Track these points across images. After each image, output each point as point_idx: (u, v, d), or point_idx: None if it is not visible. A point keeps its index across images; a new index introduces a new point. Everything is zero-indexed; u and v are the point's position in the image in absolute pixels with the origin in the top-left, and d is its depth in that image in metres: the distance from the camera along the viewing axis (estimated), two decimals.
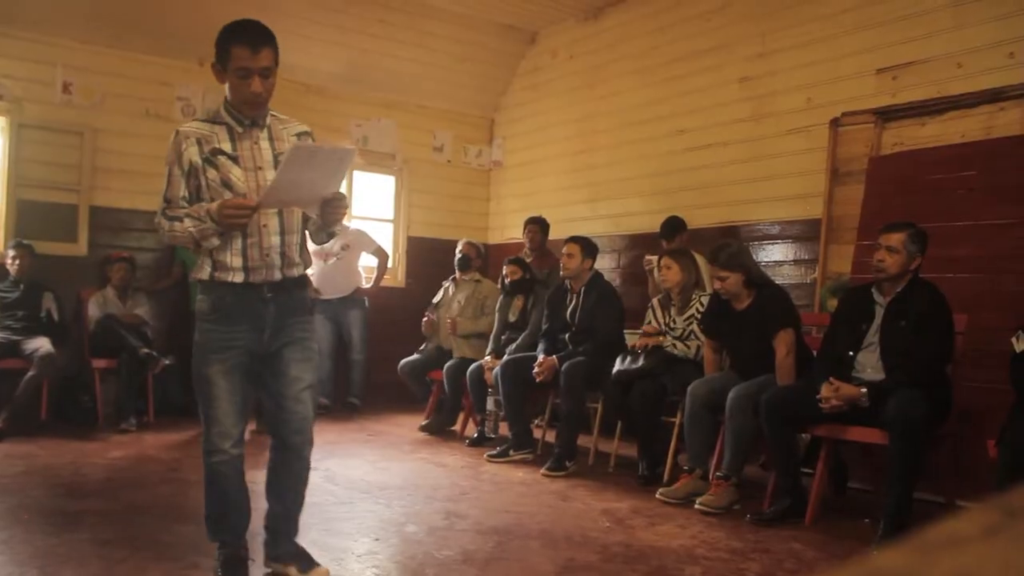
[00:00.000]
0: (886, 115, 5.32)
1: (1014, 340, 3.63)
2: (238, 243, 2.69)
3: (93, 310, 6.48)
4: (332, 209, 2.70)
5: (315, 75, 7.69)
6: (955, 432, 4.03)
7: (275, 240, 2.75)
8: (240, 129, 2.71)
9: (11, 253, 6.17)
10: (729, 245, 4.60)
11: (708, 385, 4.51)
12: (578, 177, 7.72)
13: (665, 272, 5.04)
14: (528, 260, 6.49)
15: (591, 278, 5.45)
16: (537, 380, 5.31)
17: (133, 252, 6.85)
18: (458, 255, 6.82)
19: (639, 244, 6.94)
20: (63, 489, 4.19)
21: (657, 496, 4.39)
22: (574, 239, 5.51)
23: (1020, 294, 3.85)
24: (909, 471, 3.63)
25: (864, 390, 3.78)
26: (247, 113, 2.70)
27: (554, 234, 7.01)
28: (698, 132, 6.61)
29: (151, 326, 6.64)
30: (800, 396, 4.01)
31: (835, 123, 5.60)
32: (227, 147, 2.68)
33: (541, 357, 5.40)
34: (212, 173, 2.66)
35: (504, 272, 6.24)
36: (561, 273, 5.53)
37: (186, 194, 2.68)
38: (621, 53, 7.34)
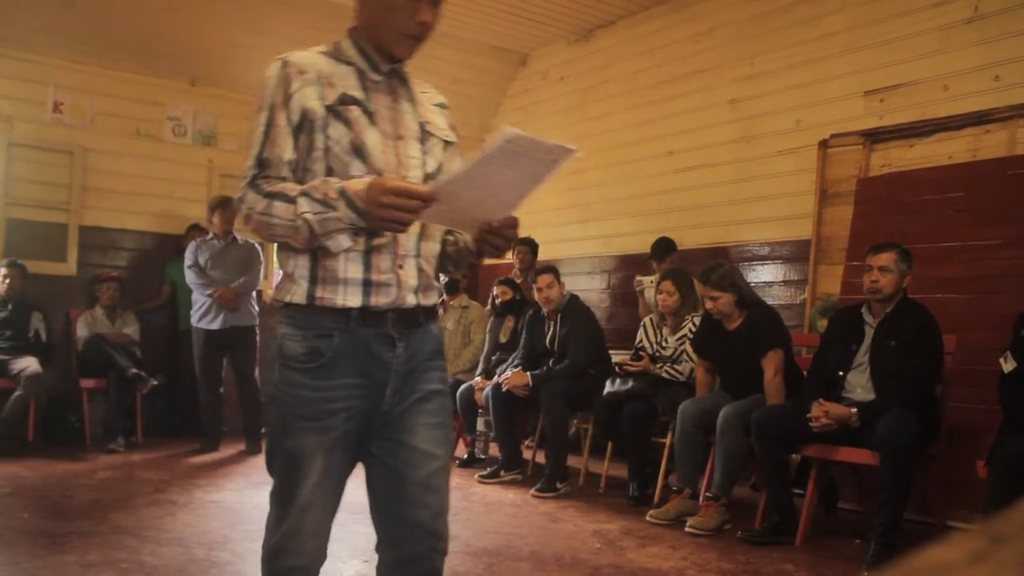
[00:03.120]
0: (874, 137, 5.36)
1: (1002, 360, 3.65)
2: (360, 242, 1.74)
3: (82, 329, 6.45)
4: (499, 237, 1.82)
5: None
6: (945, 452, 4.04)
7: (412, 246, 1.82)
8: (376, 77, 1.82)
9: (2, 272, 6.14)
10: (721, 265, 4.62)
11: (699, 405, 4.51)
12: (568, 198, 7.74)
13: (667, 298, 5.03)
14: (518, 281, 6.50)
15: (567, 303, 5.44)
16: (503, 389, 5.32)
17: (122, 272, 6.83)
18: (444, 279, 6.79)
19: (629, 264, 6.95)
20: (50, 510, 4.15)
21: (647, 518, 4.38)
22: (547, 270, 5.47)
23: (1008, 314, 3.87)
24: (899, 491, 3.64)
25: (854, 410, 3.79)
26: (398, 53, 1.83)
27: (544, 254, 7.02)
28: (688, 153, 6.64)
29: (140, 346, 6.62)
30: (790, 416, 4.02)
31: (824, 144, 5.64)
32: (359, 96, 1.78)
33: (509, 371, 5.41)
34: (338, 131, 1.73)
35: (495, 293, 6.24)
36: (547, 308, 5.49)
37: (293, 157, 1.75)
38: (611, 75, 7.39)
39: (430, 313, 1.88)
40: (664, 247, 6.08)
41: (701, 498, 4.37)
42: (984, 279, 4.61)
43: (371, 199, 1.60)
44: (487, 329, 6.31)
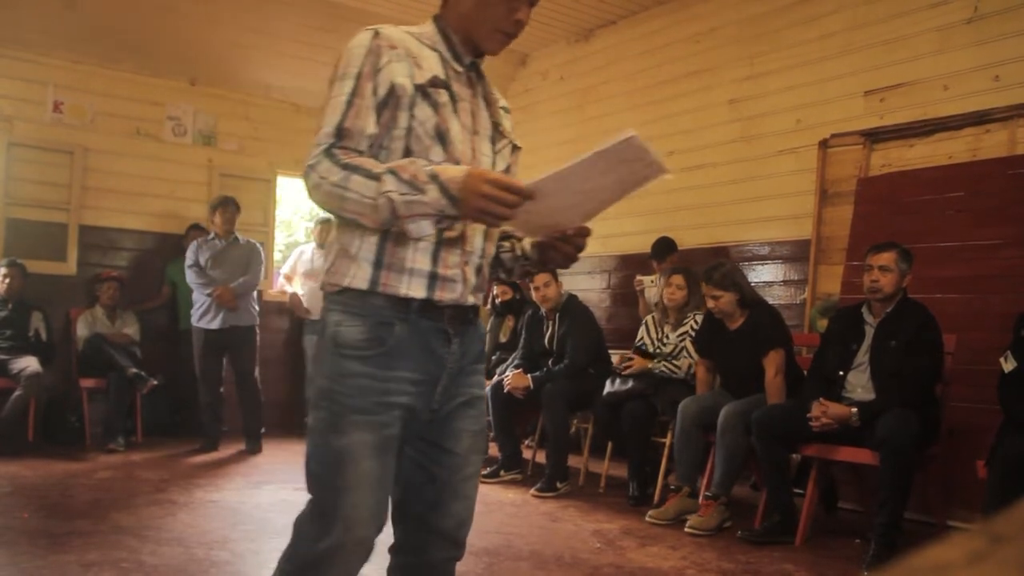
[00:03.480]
0: (874, 136, 5.36)
1: (1002, 360, 3.65)
2: (432, 235, 1.66)
3: (82, 329, 6.46)
4: (570, 245, 1.77)
5: (306, 95, 7.70)
6: (945, 452, 4.04)
7: (478, 244, 1.76)
8: (457, 68, 1.75)
9: (2, 272, 6.14)
10: (722, 264, 4.63)
11: (699, 403, 4.51)
12: None
13: (675, 292, 5.03)
14: (518, 281, 6.50)
15: (565, 302, 5.44)
16: (505, 391, 5.32)
17: (122, 272, 6.83)
18: None
19: (630, 264, 6.95)
20: (50, 510, 4.15)
21: (647, 519, 4.38)
22: (544, 269, 5.46)
23: (1008, 314, 3.87)
24: (899, 491, 3.64)
25: (854, 410, 3.79)
26: (488, 48, 1.77)
27: None
28: (688, 153, 6.63)
29: (140, 346, 6.62)
30: (791, 415, 4.02)
31: (824, 144, 5.63)
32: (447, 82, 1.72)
33: (510, 372, 5.40)
34: (424, 112, 1.66)
35: (495, 292, 6.24)
36: (545, 307, 5.48)
37: (375, 132, 1.65)
38: (611, 75, 7.39)
39: (478, 311, 1.84)
40: (664, 247, 6.08)
41: (700, 497, 4.37)
42: (984, 279, 4.60)
43: (470, 188, 1.52)
44: (487, 329, 6.31)
